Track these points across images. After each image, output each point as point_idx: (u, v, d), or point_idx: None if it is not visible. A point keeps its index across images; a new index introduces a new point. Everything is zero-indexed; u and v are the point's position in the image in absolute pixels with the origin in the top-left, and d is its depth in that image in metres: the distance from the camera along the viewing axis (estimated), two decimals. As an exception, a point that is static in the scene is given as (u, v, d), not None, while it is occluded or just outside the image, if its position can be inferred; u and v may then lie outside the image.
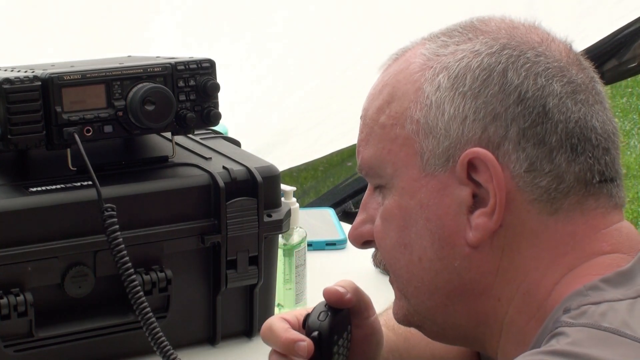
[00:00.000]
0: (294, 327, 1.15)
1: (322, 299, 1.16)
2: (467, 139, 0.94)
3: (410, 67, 0.99)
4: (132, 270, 1.36)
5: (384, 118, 1.00)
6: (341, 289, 1.14)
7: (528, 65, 0.95)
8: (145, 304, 1.36)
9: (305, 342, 1.10)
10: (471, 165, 0.94)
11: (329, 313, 1.12)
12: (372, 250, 1.88)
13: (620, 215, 0.99)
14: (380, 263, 1.08)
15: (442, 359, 1.26)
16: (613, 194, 0.97)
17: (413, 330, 1.25)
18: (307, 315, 1.14)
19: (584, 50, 2.79)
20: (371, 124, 1.01)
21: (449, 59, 0.97)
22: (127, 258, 1.36)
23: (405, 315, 1.05)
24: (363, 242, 1.06)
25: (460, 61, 0.96)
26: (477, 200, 0.95)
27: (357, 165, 1.04)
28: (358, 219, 1.06)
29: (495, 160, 0.93)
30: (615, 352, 0.85)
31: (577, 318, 0.89)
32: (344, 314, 1.14)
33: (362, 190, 1.10)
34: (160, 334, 1.35)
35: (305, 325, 1.14)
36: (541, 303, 0.95)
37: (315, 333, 1.11)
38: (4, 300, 1.38)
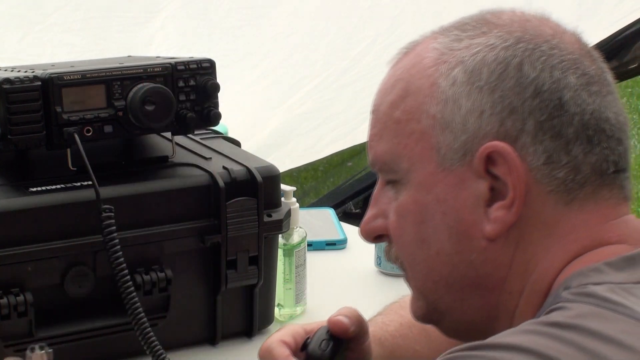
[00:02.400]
0: (292, 351, 1.16)
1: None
2: (484, 132, 0.95)
3: (423, 61, 0.99)
4: (126, 271, 1.36)
5: (399, 113, 1.00)
6: (346, 320, 1.14)
7: (543, 58, 0.95)
8: (138, 305, 1.36)
9: None
10: (489, 159, 0.95)
11: (331, 342, 1.13)
12: (371, 250, 1.88)
13: (628, 208, 0.99)
14: (397, 259, 1.07)
15: None
16: (624, 186, 0.98)
17: (400, 341, 1.26)
18: (307, 340, 1.14)
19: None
20: (385, 119, 1.01)
21: (464, 53, 0.97)
22: (122, 259, 1.36)
23: (424, 315, 1.05)
24: (375, 237, 1.06)
25: (476, 55, 0.96)
26: (494, 194, 0.95)
27: (369, 160, 1.04)
28: (369, 213, 1.06)
29: (514, 154, 0.94)
30: (615, 328, 0.86)
31: (577, 295, 0.90)
32: (341, 345, 1.14)
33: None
34: (152, 335, 1.35)
35: (304, 348, 1.15)
36: (546, 292, 0.96)
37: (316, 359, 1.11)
38: (4, 300, 1.38)
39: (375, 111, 1.03)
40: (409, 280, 1.05)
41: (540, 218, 0.95)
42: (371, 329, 1.24)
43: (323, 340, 1.13)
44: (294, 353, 1.15)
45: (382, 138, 1.01)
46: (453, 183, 0.96)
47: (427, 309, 1.04)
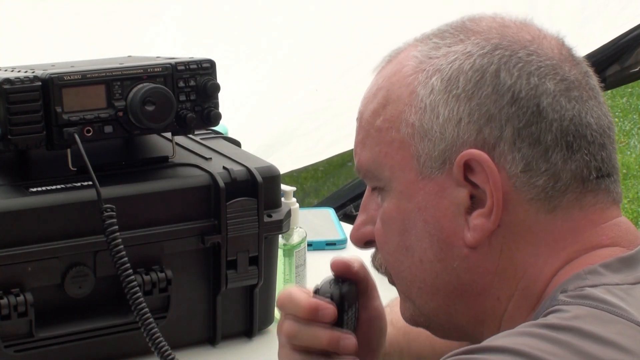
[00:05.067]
0: None
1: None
2: (462, 141, 0.94)
3: (403, 70, 0.99)
4: (130, 271, 1.36)
5: (380, 121, 1.00)
6: (347, 260, 1.14)
7: (520, 64, 0.95)
8: (144, 304, 1.36)
9: (330, 308, 1.08)
10: (468, 167, 0.94)
11: (339, 283, 1.12)
12: (371, 250, 1.88)
13: (618, 211, 0.99)
14: (381, 266, 1.07)
15: (442, 354, 1.26)
16: (611, 190, 0.97)
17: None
18: (317, 287, 1.14)
19: (586, 55, 2.80)
20: (367, 127, 1.02)
21: (441, 61, 0.97)
22: (125, 259, 1.36)
23: (412, 316, 1.05)
24: (365, 243, 1.07)
25: (453, 63, 0.96)
26: (474, 202, 0.95)
27: (355, 166, 1.05)
28: (359, 219, 1.07)
29: (491, 161, 0.93)
30: (611, 330, 0.86)
31: (574, 297, 0.90)
32: (352, 288, 1.13)
33: (364, 193, 1.11)
34: (159, 334, 1.35)
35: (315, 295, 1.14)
36: (539, 295, 0.95)
37: (328, 297, 1.10)
38: (4, 300, 1.38)
39: (359, 119, 1.04)
40: (395, 285, 1.05)
41: (523, 226, 0.95)
42: None
43: (331, 282, 1.12)
44: None
45: (365, 146, 1.02)
46: (433, 191, 0.96)
47: (413, 312, 1.04)
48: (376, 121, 1.00)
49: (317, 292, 1.12)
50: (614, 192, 0.98)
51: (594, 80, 1.00)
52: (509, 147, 0.93)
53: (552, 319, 0.88)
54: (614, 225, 0.97)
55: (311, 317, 1.09)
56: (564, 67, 0.96)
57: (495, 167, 0.93)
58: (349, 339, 1.09)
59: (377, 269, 1.08)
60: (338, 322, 1.09)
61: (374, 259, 1.09)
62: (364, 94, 1.04)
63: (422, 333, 1.17)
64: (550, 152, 0.94)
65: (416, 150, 0.97)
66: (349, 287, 1.12)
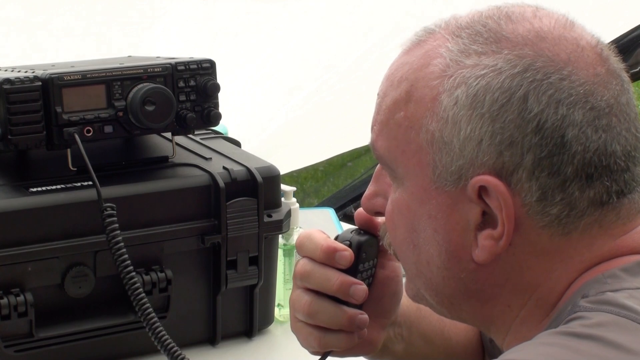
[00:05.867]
0: None
1: None
2: (481, 162, 0.92)
3: (429, 68, 0.96)
4: (131, 268, 1.36)
5: (400, 117, 0.97)
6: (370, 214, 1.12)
7: (551, 92, 0.91)
8: (147, 303, 1.36)
9: (348, 252, 1.08)
10: (483, 188, 0.93)
11: (361, 232, 1.11)
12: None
13: None
14: (390, 246, 1.06)
15: (450, 340, 1.25)
16: (636, 201, 0.95)
17: None
18: (337, 235, 1.13)
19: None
20: (387, 115, 0.99)
21: (469, 72, 0.93)
22: (126, 256, 1.36)
23: (415, 296, 1.05)
24: (375, 213, 1.06)
25: (481, 79, 0.93)
26: (486, 219, 0.93)
27: (370, 142, 1.02)
28: (370, 189, 1.05)
29: (506, 192, 0.91)
30: (635, 340, 0.84)
31: (596, 303, 0.89)
32: (373, 241, 1.12)
33: (364, 192, 1.10)
34: (164, 332, 1.35)
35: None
36: (554, 303, 0.94)
37: (347, 242, 1.10)
38: (4, 300, 1.38)
39: (380, 98, 1.01)
40: (402, 267, 1.05)
41: (536, 247, 0.94)
42: None
43: (352, 231, 1.12)
44: None
45: (382, 132, 1.00)
46: (445, 203, 0.95)
47: (417, 293, 1.03)
48: (396, 114, 0.98)
49: (337, 238, 1.11)
50: (639, 202, 0.95)
51: (628, 94, 0.96)
52: (527, 175, 0.91)
53: (574, 326, 0.86)
54: (636, 233, 0.95)
55: (327, 259, 1.09)
56: (596, 92, 0.93)
57: (510, 197, 0.91)
58: (360, 287, 1.08)
59: (387, 248, 1.07)
60: (353, 271, 1.09)
61: (383, 238, 1.08)
62: (388, 69, 1.01)
63: (434, 313, 1.16)
64: (568, 183, 0.91)
65: (433, 159, 0.95)
66: (369, 238, 1.11)
